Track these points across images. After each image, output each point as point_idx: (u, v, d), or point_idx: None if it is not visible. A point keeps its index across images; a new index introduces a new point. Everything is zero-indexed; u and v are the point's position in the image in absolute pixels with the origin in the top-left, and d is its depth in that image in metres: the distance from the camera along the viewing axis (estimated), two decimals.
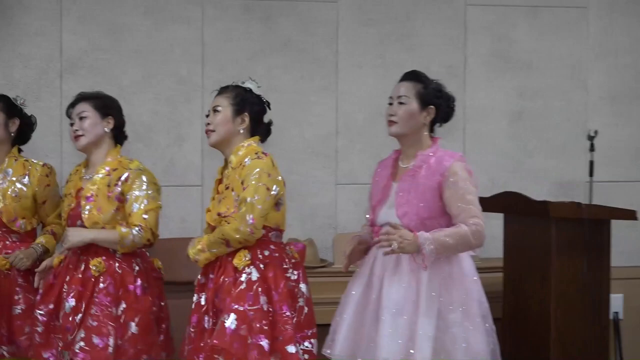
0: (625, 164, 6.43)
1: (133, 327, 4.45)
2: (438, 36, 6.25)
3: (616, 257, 5.48)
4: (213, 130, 4.36)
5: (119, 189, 4.47)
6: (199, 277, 4.54)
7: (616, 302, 6.01)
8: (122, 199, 4.49)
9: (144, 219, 4.45)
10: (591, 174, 5.85)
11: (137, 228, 4.41)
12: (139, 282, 4.49)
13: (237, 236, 4.21)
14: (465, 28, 6.20)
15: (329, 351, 4.32)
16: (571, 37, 6.44)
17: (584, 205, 5.24)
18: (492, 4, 6.34)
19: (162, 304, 4.69)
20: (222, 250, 4.28)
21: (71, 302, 4.46)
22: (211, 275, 4.39)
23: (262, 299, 4.22)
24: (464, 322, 4.14)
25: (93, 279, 4.43)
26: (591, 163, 5.82)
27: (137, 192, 4.42)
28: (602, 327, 5.24)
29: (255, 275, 4.23)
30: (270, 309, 4.28)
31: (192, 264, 4.47)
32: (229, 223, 4.27)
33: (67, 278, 4.54)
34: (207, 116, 4.41)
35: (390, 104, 4.26)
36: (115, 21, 5.84)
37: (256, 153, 4.30)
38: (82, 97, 4.65)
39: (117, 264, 4.44)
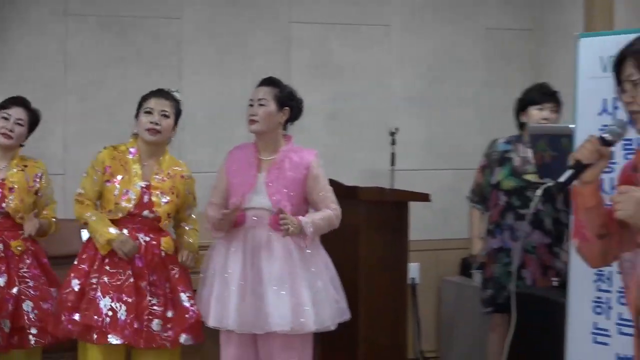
0: (421, 155, 6.61)
1: (54, 292, 4.57)
2: (267, 48, 6.33)
3: (414, 232, 5.66)
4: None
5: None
6: None
7: (413, 270, 6.24)
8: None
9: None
10: (393, 163, 5.99)
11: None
12: (45, 258, 4.69)
13: None
14: (289, 42, 6.31)
15: (219, 325, 4.45)
16: (377, 49, 6.55)
17: (387, 190, 5.58)
18: (312, 22, 6.39)
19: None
20: None
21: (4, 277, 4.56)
22: None
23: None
24: (327, 288, 4.45)
25: (17, 257, 4.54)
26: (392, 155, 5.99)
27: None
28: (402, 290, 5.51)
29: None
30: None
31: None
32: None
33: None
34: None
35: (251, 105, 4.44)
36: None
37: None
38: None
39: (29, 243, 4.55)
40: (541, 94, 5.48)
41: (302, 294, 4.40)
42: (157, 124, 4.40)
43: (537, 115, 5.42)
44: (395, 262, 5.47)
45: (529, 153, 5.46)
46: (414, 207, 5.54)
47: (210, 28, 6.23)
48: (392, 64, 6.59)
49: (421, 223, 6.09)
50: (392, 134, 5.97)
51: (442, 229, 6.32)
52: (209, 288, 4.45)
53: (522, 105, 5.54)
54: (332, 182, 5.24)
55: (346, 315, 4.60)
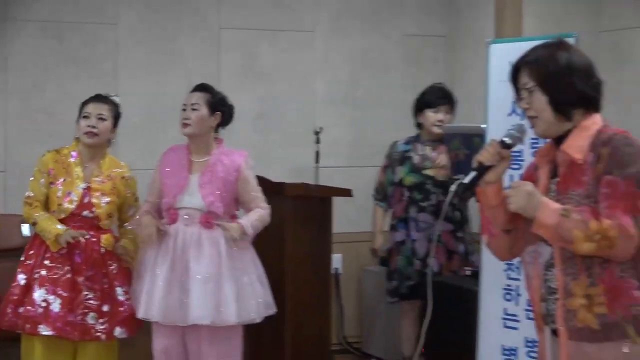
0: (343, 153, 6.68)
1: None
2: (198, 52, 6.35)
3: (336, 225, 5.72)
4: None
5: None
6: None
7: (336, 260, 6.29)
8: None
9: None
10: (317, 161, 6.14)
11: None
12: None
13: None
14: (219, 46, 6.35)
15: (145, 317, 4.49)
16: (302, 54, 6.62)
17: (311, 186, 5.59)
18: (240, 28, 6.38)
19: None
20: None
21: None
22: None
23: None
24: (252, 282, 4.54)
25: None
26: (317, 153, 6.12)
27: None
28: (326, 280, 5.55)
29: None
30: None
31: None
32: None
33: None
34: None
35: (184, 109, 4.49)
36: None
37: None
38: None
39: None
40: (436, 97, 5.61)
41: (226, 289, 4.44)
42: (94, 127, 4.41)
43: (432, 117, 5.54)
44: (320, 254, 5.53)
45: (427, 151, 5.56)
46: (337, 201, 5.61)
47: (144, 34, 6.29)
48: (316, 67, 6.70)
49: (343, 217, 6.14)
50: (317, 133, 6.08)
51: (363, 222, 6.21)
52: (141, 282, 4.48)
53: (419, 107, 5.61)
54: (260, 179, 5.25)
55: (271, 310, 4.64)
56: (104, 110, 4.45)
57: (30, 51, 5.88)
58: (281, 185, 5.40)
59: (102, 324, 4.38)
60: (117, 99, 4.67)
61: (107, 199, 4.44)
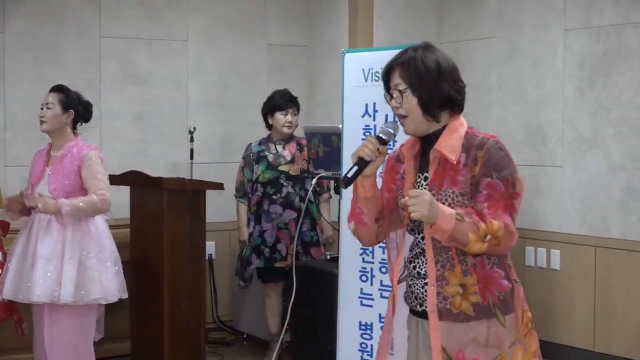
0: (216, 150, 6.80)
1: None
2: (81, 59, 6.34)
3: (210, 215, 5.74)
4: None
5: None
6: None
7: (210, 247, 6.42)
8: None
9: None
10: (192, 157, 6.20)
11: None
12: None
13: None
14: (100, 53, 6.42)
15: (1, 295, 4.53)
16: (176, 60, 6.65)
17: (186, 180, 5.59)
18: (119, 37, 6.50)
19: None
20: None
21: None
22: None
23: None
24: (98, 266, 4.51)
25: None
26: (191, 150, 6.20)
27: None
28: (200, 266, 5.60)
29: None
30: None
31: None
32: None
33: None
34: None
35: (41, 108, 4.55)
36: None
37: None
38: None
39: None
40: (284, 101, 5.70)
41: (68, 270, 4.45)
42: None
43: (282, 119, 5.65)
44: (195, 241, 5.55)
45: (280, 149, 5.70)
46: (210, 194, 5.66)
47: (30, 41, 6.14)
48: (190, 73, 6.68)
49: (216, 207, 6.25)
50: (191, 132, 6.18)
51: (234, 213, 6.22)
52: (7, 264, 4.52)
53: (269, 110, 5.71)
54: (139, 174, 5.54)
55: (123, 294, 4.67)
56: None
57: None
58: (159, 179, 5.45)
59: None
60: None
61: None
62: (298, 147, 5.70)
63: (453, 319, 2.76)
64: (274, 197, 5.58)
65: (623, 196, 5.61)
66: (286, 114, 5.63)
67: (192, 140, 6.18)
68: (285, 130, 5.64)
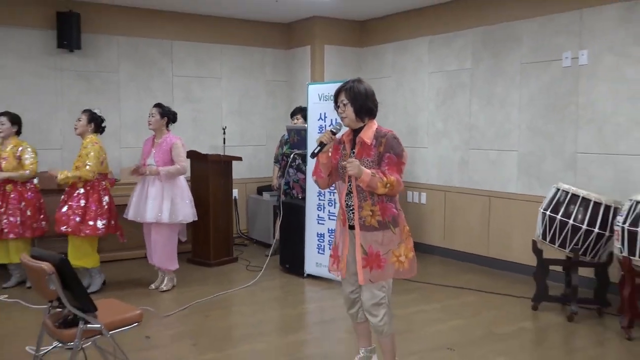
0: (237, 140, 7.46)
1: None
2: (162, 89, 6.82)
3: (236, 173, 6.69)
4: None
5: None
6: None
7: (235, 192, 7.17)
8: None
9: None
10: (224, 143, 7.14)
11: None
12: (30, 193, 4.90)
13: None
14: (172, 85, 6.99)
15: (126, 216, 5.02)
16: (214, 89, 7.22)
17: (221, 155, 6.27)
18: (183, 76, 7.01)
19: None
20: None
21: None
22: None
23: (82, 201, 4.73)
24: (181, 202, 5.04)
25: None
26: (224, 139, 7.15)
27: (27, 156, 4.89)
28: (229, 202, 6.34)
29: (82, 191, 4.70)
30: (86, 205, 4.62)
31: None
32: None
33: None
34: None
35: (149, 117, 4.94)
36: None
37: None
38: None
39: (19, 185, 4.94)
40: (297, 110, 6.09)
41: (165, 204, 4.89)
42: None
43: (296, 120, 5.95)
44: (226, 189, 6.32)
45: (283, 139, 6.18)
46: (234, 163, 6.50)
47: (134, 77, 6.88)
48: (222, 96, 7.52)
49: (242, 169, 7.18)
50: (223, 129, 7.05)
51: (249, 174, 7.37)
52: (131, 198, 4.88)
53: (291, 115, 6.16)
54: (196, 152, 6.21)
55: (194, 217, 5.12)
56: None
57: None
58: (206, 155, 6.17)
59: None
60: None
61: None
62: None
63: (366, 229, 3.01)
64: (292, 164, 6.03)
65: (460, 163, 6.43)
66: (298, 118, 6.13)
67: (224, 133, 7.32)
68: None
